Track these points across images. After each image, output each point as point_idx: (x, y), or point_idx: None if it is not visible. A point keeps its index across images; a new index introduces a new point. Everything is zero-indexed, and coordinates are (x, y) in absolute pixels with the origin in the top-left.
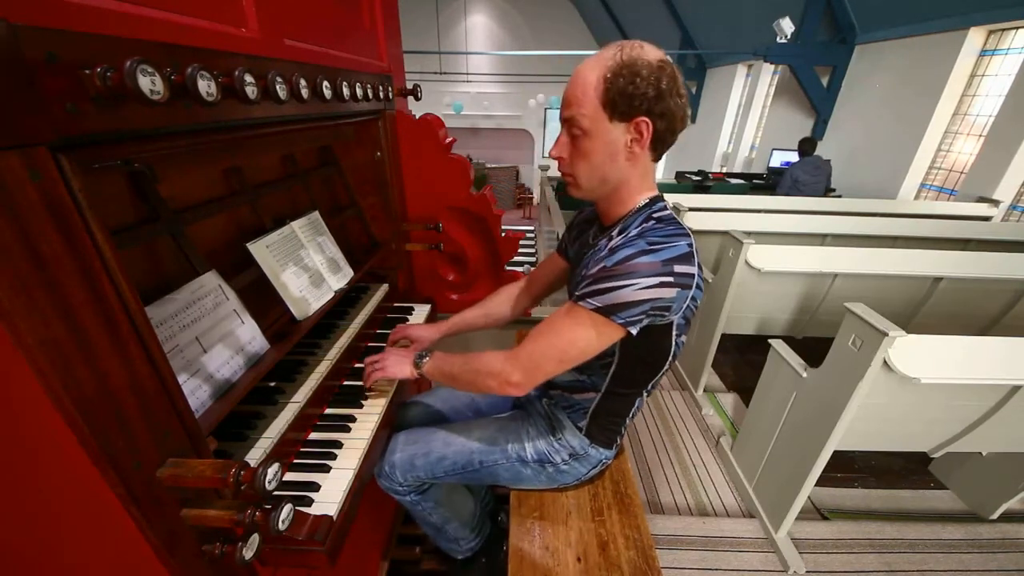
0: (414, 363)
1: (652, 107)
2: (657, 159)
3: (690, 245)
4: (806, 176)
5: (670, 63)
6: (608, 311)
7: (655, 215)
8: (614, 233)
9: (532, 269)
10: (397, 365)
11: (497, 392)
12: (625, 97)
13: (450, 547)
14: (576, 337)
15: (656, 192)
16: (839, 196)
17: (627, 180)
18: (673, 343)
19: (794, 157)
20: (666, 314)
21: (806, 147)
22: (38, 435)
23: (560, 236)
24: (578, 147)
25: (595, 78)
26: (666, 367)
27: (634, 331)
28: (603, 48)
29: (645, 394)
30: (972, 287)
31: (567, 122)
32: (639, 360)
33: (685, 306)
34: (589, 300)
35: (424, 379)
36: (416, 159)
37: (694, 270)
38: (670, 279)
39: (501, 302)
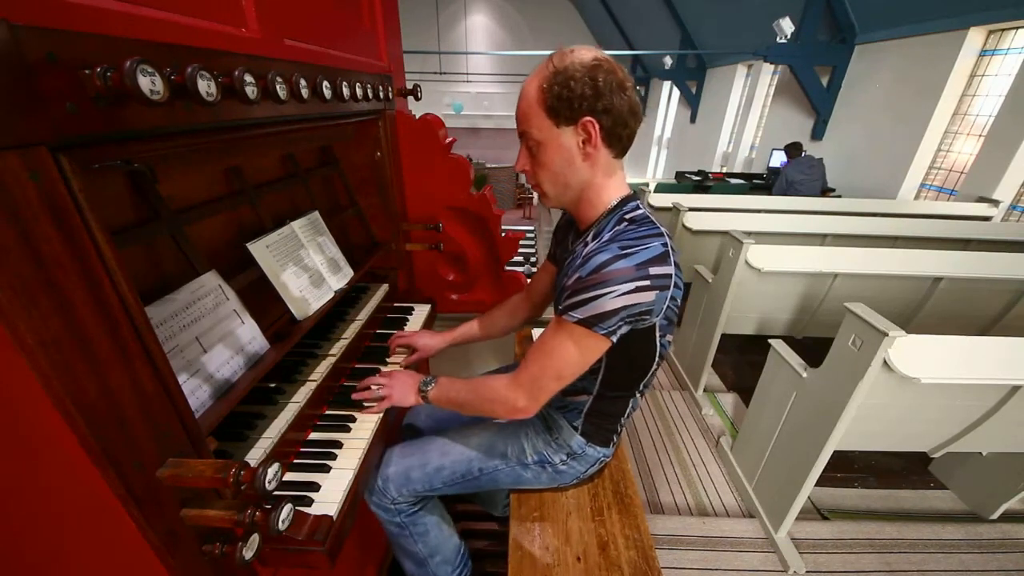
0: (419, 390)
1: (593, 106)
2: (619, 155)
3: (664, 245)
4: (800, 176)
5: (607, 60)
6: (590, 323)
7: (627, 216)
8: (588, 238)
9: (533, 274)
10: (402, 393)
11: (505, 417)
12: (563, 102)
13: None
14: (567, 353)
15: (627, 191)
16: (839, 196)
17: (590, 182)
18: (657, 344)
19: None
20: (647, 318)
21: (792, 151)
22: (38, 435)
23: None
24: (537, 159)
25: (535, 90)
26: (654, 368)
27: (615, 339)
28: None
29: (638, 394)
30: (972, 287)
31: (522, 136)
32: (626, 364)
33: (665, 307)
34: (571, 313)
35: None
36: (416, 159)
37: (670, 270)
38: (646, 283)
39: (504, 314)
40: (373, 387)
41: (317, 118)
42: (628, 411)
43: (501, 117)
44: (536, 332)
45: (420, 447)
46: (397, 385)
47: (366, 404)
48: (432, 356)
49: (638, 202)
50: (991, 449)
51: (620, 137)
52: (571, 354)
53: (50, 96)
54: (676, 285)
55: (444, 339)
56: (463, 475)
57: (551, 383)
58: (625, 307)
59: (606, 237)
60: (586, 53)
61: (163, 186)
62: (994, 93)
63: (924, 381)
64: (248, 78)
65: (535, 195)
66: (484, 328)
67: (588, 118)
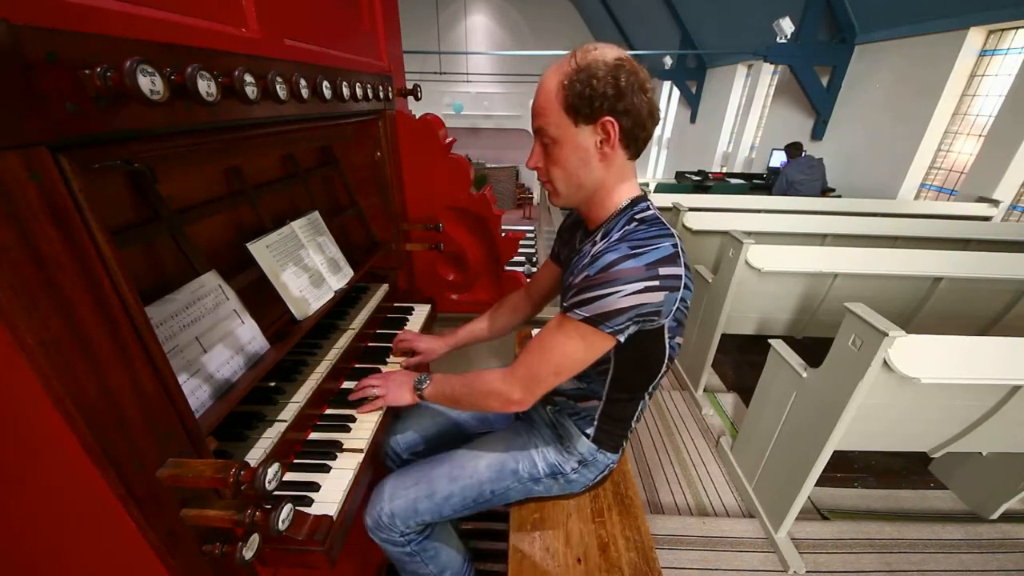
0: (414, 388)
1: (614, 106)
2: (633, 157)
3: (675, 246)
4: (800, 176)
5: (629, 60)
6: (596, 321)
7: (637, 216)
8: (597, 238)
9: (532, 274)
10: (397, 392)
11: (500, 411)
12: (584, 100)
13: None
14: (568, 350)
15: (638, 192)
16: (839, 196)
17: (603, 182)
18: (667, 346)
19: None
20: (655, 319)
21: (792, 151)
22: (39, 435)
23: (554, 240)
24: (551, 155)
25: (555, 85)
26: (664, 370)
27: (622, 339)
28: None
29: (647, 397)
30: (972, 287)
31: (537, 132)
32: (635, 365)
33: (675, 308)
34: (576, 311)
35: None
36: (416, 159)
37: (680, 271)
38: (655, 283)
39: (504, 313)
40: (368, 388)
41: (317, 118)
42: (638, 414)
43: (501, 117)
44: (536, 332)
45: (425, 475)
46: (392, 385)
47: (365, 408)
48: (434, 359)
49: (648, 203)
50: (991, 449)
51: (637, 139)
52: (572, 350)
53: (50, 96)
54: (686, 287)
55: (447, 343)
56: (475, 499)
57: (549, 377)
58: (633, 307)
59: (615, 237)
60: (609, 51)
61: (163, 186)
62: (994, 93)
63: (924, 381)
64: (248, 78)
65: (535, 195)
66: (486, 328)
67: (608, 118)
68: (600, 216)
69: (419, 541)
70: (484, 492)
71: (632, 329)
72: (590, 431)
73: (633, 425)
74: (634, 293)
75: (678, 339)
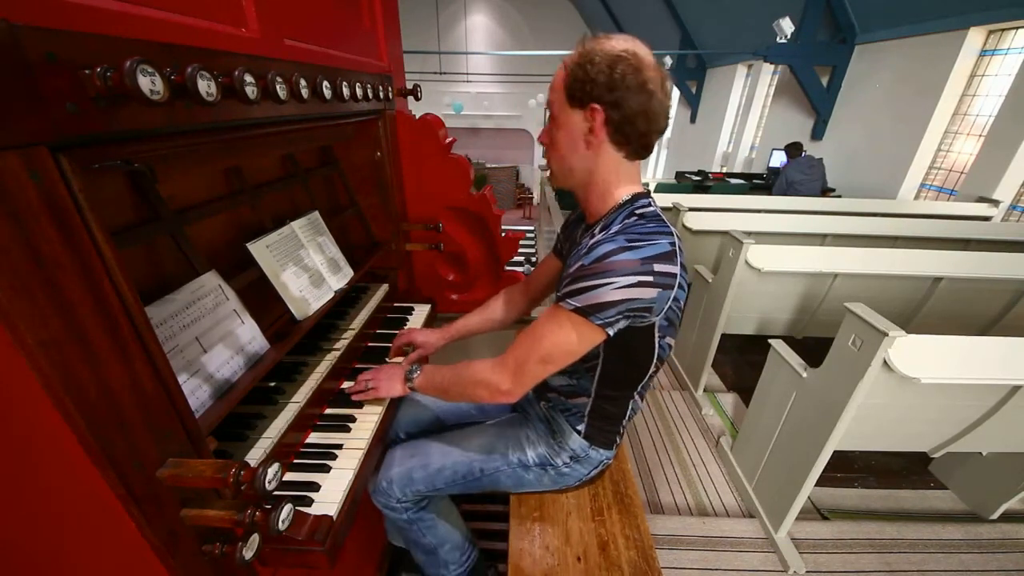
0: (405, 379)
1: (603, 94)
2: (631, 157)
3: (672, 244)
4: (800, 176)
5: (634, 55)
6: (586, 312)
7: (637, 211)
8: (596, 230)
9: (532, 270)
10: (388, 384)
11: (489, 401)
12: (579, 83)
13: (439, 573)
14: (558, 340)
15: (640, 189)
16: (839, 196)
17: (594, 172)
18: (656, 345)
19: None
20: (647, 315)
21: (792, 151)
22: (38, 435)
23: (557, 236)
24: (551, 134)
25: (563, 66)
26: (652, 369)
27: (611, 332)
28: None
29: (637, 396)
30: (972, 287)
31: (548, 109)
32: (623, 362)
33: (667, 307)
34: (568, 300)
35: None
36: (416, 159)
37: (676, 269)
38: (649, 278)
39: (502, 306)
40: (362, 382)
41: (317, 118)
42: (629, 413)
43: (501, 117)
44: None
45: (422, 449)
46: (383, 377)
47: (357, 399)
48: (432, 353)
49: (650, 199)
50: (991, 449)
51: (628, 136)
52: (561, 339)
53: (50, 96)
54: (680, 286)
55: (443, 335)
56: (464, 475)
57: (537, 366)
58: (624, 300)
59: (614, 229)
60: (618, 43)
61: (163, 186)
62: (994, 93)
63: (924, 381)
64: (248, 78)
65: (535, 195)
66: (482, 320)
67: (595, 105)
68: (600, 210)
69: (416, 511)
70: (474, 470)
71: (622, 323)
72: (581, 427)
73: (625, 423)
74: (626, 287)
75: (669, 339)
